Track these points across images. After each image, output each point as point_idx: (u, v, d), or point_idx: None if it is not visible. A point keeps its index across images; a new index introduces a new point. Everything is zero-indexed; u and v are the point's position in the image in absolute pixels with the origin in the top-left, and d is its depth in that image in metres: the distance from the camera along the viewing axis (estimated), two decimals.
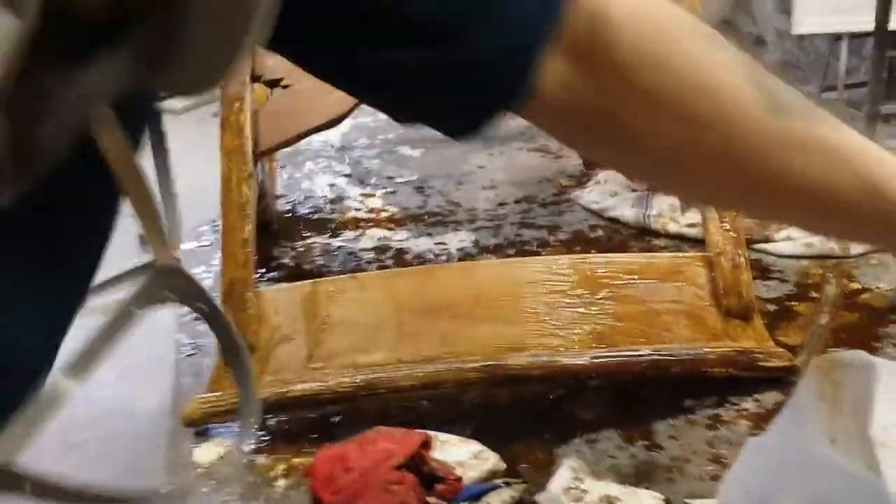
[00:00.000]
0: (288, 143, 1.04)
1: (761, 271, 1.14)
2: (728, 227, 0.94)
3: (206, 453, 0.87)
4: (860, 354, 0.58)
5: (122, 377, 2.30)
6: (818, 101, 0.43)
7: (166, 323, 1.18)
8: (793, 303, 1.07)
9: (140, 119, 0.37)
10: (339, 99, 0.96)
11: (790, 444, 0.62)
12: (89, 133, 0.31)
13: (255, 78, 0.98)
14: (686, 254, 0.97)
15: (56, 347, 0.41)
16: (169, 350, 1.12)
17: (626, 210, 1.29)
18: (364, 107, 0.97)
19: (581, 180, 1.42)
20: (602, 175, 1.40)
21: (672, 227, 1.23)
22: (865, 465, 0.57)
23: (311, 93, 0.98)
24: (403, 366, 0.87)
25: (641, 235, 1.25)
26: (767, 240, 1.19)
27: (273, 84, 0.98)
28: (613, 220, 1.29)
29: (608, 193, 1.34)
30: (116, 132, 0.32)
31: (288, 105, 0.97)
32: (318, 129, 0.97)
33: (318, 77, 0.39)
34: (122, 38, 0.29)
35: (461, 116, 0.41)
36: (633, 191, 1.34)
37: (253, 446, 0.87)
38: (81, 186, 0.37)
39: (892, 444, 0.52)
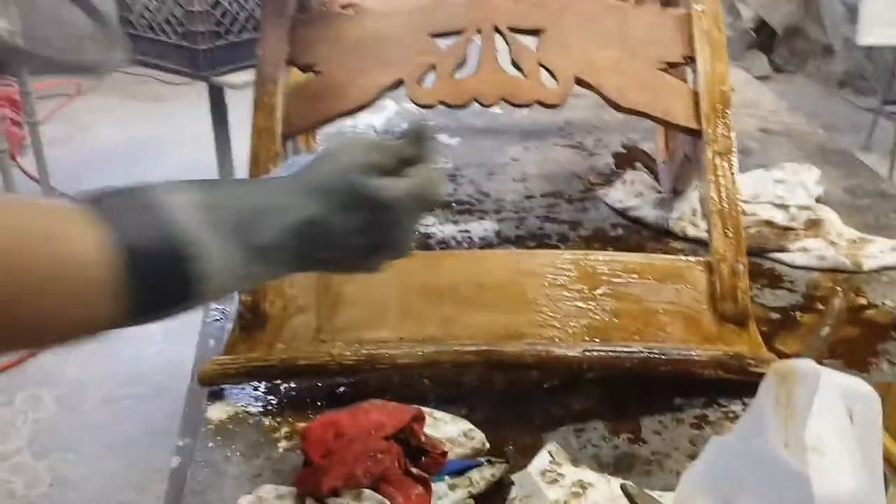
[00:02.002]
0: (315, 126, 1.10)
1: (772, 280, 1.16)
2: (731, 234, 0.97)
3: (217, 412, 0.93)
4: (809, 363, 0.62)
5: (168, 337, 2.41)
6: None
7: None
8: (797, 313, 1.09)
9: None
10: (366, 87, 1.01)
11: (749, 444, 0.65)
12: None
13: (290, 62, 1.03)
14: (688, 258, 1.00)
15: None
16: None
17: (648, 211, 1.31)
18: (404, 88, 1.02)
19: (610, 179, 1.45)
20: (630, 175, 1.43)
21: (690, 231, 1.26)
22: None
23: (342, 79, 1.03)
24: (405, 344, 0.92)
25: (660, 237, 1.27)
26: (783, 249, 1.21)
27: (306, 69, 1.03)
28: (635, 220, 1.32)
29: (633, 194, 1.37)
30: None
31: (318, 90, 1.02)
32: (344, 115, 1.02)
33: None
34: None
35: None
36: (658, 192, 1.37)
37: (261, 408, 0.93)
38: None
39: (822, 449, 0.56)
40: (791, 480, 0.60)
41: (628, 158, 1.53)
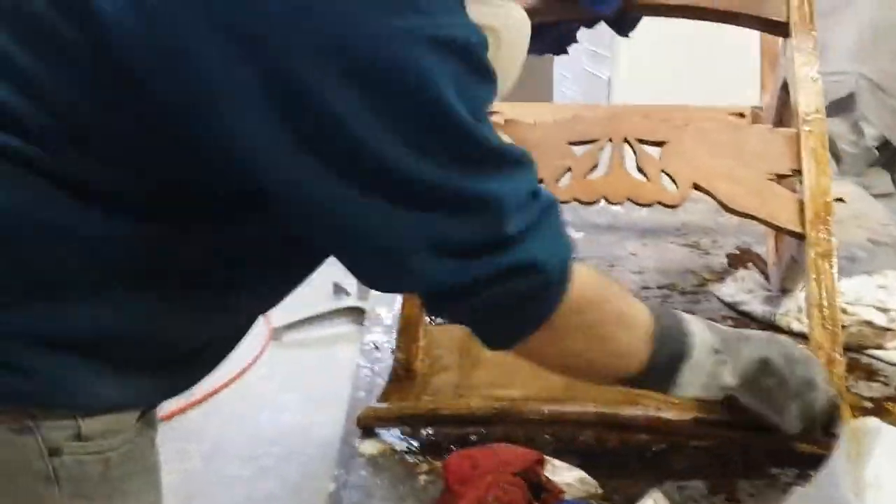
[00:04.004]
0: None
1: (869, 373, 1.26)
2: (829, 326, 1.09)
3: (369, 447, 1.10)
4: (875, 421, 0.74)
5: (304, 404, 2.62)
6: None
7: (345, 364, 1.42)
8: (889, 404, 1.19)
9: None
10: None
11: (825, 494, 0.78)
12: None
13: None
14: None
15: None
16: (346, 386, 1.34)
17: (756, 306, 1.44)
18: (544, 186, 1.19)
19: (722, 276, 1.58)
20: (741, 273, 1.56)
21: (795, 326, 1.37)
22: None
23: None
24: (532, 402, 1.07)
25: (767, 330, 1.39)
26: (880, 347, 1.31)
27: None
28: (744, 314, 1.44)
29: (744, 290, 1.49)
30: None
31: None
32: None
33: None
34: None
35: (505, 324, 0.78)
36: (768, 290, 1.49)
37: (406, 448, 1.10)
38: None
39: (880, 485, 0.68)
40: None
41: (741, 259, 1.66)
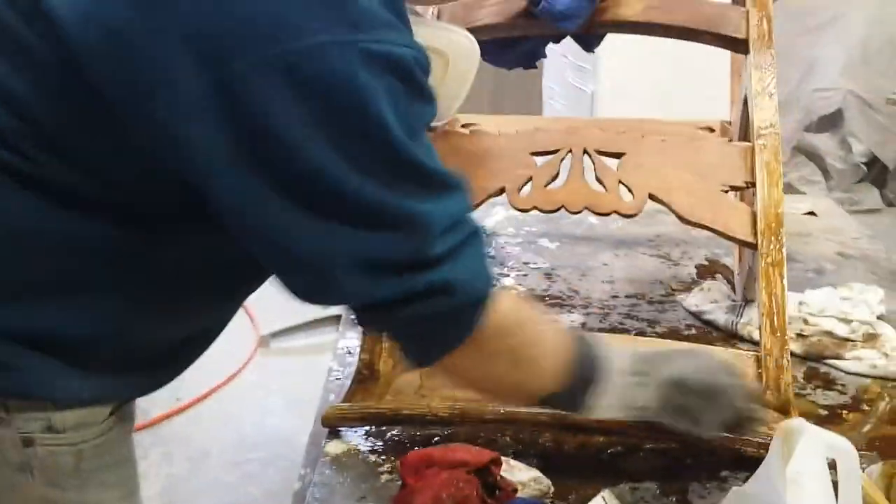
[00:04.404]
0: None
1: (826, 382, 1.30)
2: (778, 333, 1.13)
3: (334, 447, 1.14)
4: (800, 421, 0.78)
5: (288, 410, 2.64)
6: None
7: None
8: (844, 412, 1.22)
9: None
10: (474, 192, 1.23)
11: (759, 492, 0.82)
12: None
13: None
14: (740, 350, 1.16)
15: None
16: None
17: (720, 315, 1.48)
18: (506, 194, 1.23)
19: (690, 287, 1.62)
20: (708, 284, 1.59)
21: (756, 335, 1.41)
22: None
23: None
24: (490, 403, 1.11)
25: (729, 339, 1.43)
26: (838, 357, 1.35)
27: None
28: (707, 323, 1.48)
29: (709, 300, 1.53)
30: None
31: None
32: None
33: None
34: None
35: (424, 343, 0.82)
36: (733, 300, 1.53)
37: (369, 447, 1.13)
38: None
39: (801, 483, 0.72)
40: None
41: (709, 270, 1.70)
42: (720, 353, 1.16)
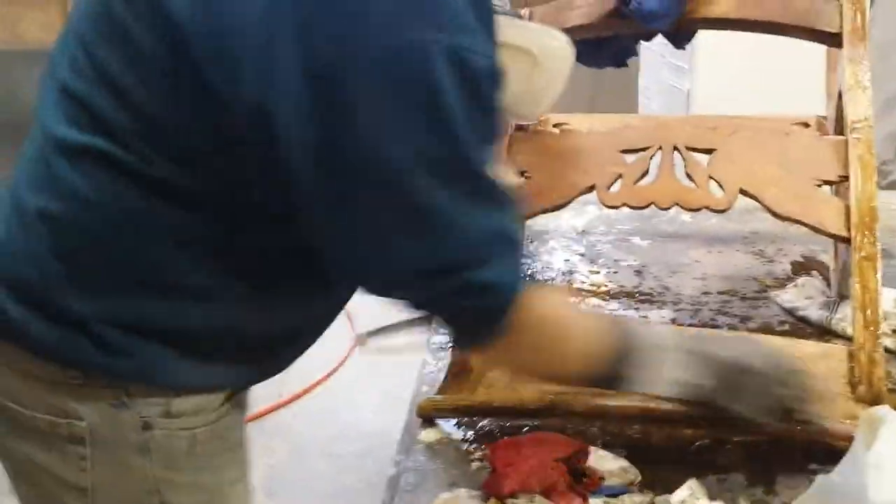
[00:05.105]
0: (522, 220, 1.36)
1: None
2: (871, 328, 1.12)
3: (427, 436, 1.18)
4: (885, 409, 0.79)
5: (383, 404, 2.71)
6: None
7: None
8: None
9: None
10: (564, 190, 1.26)
11: (844, 478, 0.82)
12: None
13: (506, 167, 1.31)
14: (832, 344, 1.15)
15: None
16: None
17: (813, 312, 1.46)
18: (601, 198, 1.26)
19: (784, 283, 1.61)
20: (802, 280, 1.58)
21: (849, 331, 1.38)
22: None
23: (547, 183, 1.29)
24: (580, 395, 1.13)
25: (823, 335, 1.42)
26: None
27: (519, 174, 1.30)
28: (801, 319, 1.47)
29: (803, 296, 1.52)
30: None
31: (527, 190, 1.29)
32: (547, 211, 1.27)
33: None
34: None
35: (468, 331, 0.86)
36: (828, 297, 1.51)
37: (461, 436, 1.17)
38: None
39: (882, 466, 0.72)
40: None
41: (805, 267, 1.67)
42: (811, 350, 1.15)
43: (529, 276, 0.84)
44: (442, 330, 0.90)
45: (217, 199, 0.78)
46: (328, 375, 2.92)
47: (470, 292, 0.77)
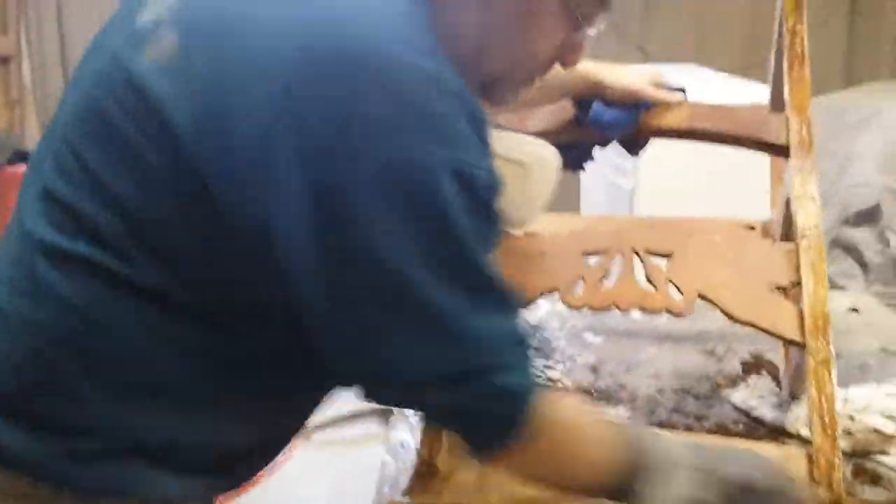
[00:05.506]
0: None
1: (872, 478, 1.31)
2: (829, 431, 1.15)
3: None
4: None
5: (335, 501, 2.64)
6: None
7: (372, 462, 1.48)
8: None
9: None
10: (528, 291, 1.28)
11: None
12: None
13: None
14: (790, 447, 1.18)
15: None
16: (371, 483, 1.40)
17: (767, 412, 1.50)
18: (559, 294, 1.28)
19: (736, 382, 1.64)
20: (754, 380, 1.62)
21: (804, 432, 1.42)
22: None
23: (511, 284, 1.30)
24: (551, 501, 1.13)
25: (777, 435, 1.45)
26: (885, 453, 1.36)
27: None
28: (755, 419, 1.50)
29: (756, 396, 1.55)
30: None
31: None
32: None
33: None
34: None
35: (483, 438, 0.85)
36: (779, 397, 1.55)
37: None
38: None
39: None
40: None
41: (754, 366, 1.72)
42: (771, 452, 1.18)
43: (542, 379, 0.85)
44: (418, 427, 0.89)
45: (209, 308, 0.78)
46: (272, 470, 2.84)
47: (487, 398, 0.78)
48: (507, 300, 0.79)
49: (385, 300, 0.73)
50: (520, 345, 0.81)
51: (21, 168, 3.60)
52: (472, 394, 0.77)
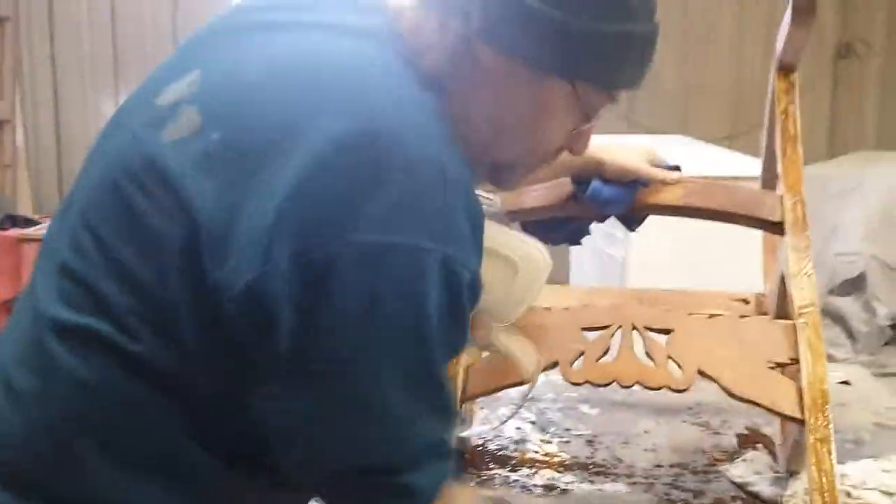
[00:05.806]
0: (486, 394, 1.37)
1: None
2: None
3: None
4: None
5: None
6: None
7: None
8: None
9: None
10: (532, 367, 1.29)
11: None
12: None
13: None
14: None
15: None
16: None
17: (764, 487, 1.50)
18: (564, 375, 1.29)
19: (732, 456, 1.64)
20: (750, 454, 1.62)
21: None
22: None
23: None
24: None
25: None
26: None
27: (483, 349, 1.33)
28: (753, 495, 1.50)
29: (753, 471, 1.56)
30: None
31: (492, 366, 1.31)
32: (511, 386, 1.30)
33: None
34: None
35: None
36: (776, 472, 1.55)
37: None
38: None
39: None
40: None
41: (750, 439, 1.72)
42: None
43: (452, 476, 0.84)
44: None
45: (216, 391, 0.78)
46: None
47: (390, 493, 0.78)
48: (448, 407, 0.80)
49: (334, 379, 0.72)
50: (443, 452, 0.81)
51: (12, 232, 3.59)
52: (381, 486, 0.77)
